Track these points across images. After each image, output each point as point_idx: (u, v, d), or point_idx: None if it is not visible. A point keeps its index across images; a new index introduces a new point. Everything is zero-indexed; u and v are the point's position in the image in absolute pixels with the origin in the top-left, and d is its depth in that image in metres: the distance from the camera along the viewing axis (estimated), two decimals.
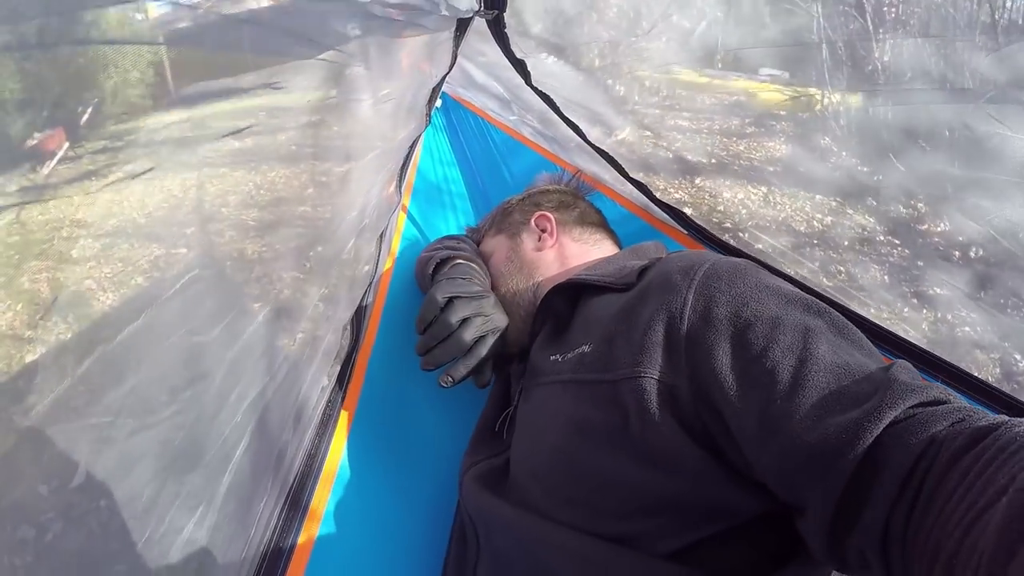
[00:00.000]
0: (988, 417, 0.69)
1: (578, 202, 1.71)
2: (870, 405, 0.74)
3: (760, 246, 1.61)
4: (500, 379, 1.46)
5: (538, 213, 1.63)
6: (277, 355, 1.17)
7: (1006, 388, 1.22)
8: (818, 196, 1.52)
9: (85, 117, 0.86)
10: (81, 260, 0.93)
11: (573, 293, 1.27)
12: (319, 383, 1.33)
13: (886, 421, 0.72)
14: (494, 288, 1.52)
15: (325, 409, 1.35)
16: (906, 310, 1.37)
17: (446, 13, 1.42)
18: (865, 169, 1.38)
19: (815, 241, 1.53)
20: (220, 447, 1.01)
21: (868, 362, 0.84)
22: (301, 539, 1.19)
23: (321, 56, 1.39)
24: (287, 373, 1.19)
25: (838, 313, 0.93)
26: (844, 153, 1.42)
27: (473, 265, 1.51)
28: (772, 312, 0.91)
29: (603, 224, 1.70)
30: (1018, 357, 1.23)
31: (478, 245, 1.72)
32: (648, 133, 1.79)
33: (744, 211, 1.70)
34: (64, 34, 0.81)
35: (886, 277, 1.41)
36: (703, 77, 1.59)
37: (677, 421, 0.91)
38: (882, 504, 0.70)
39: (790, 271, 1.54)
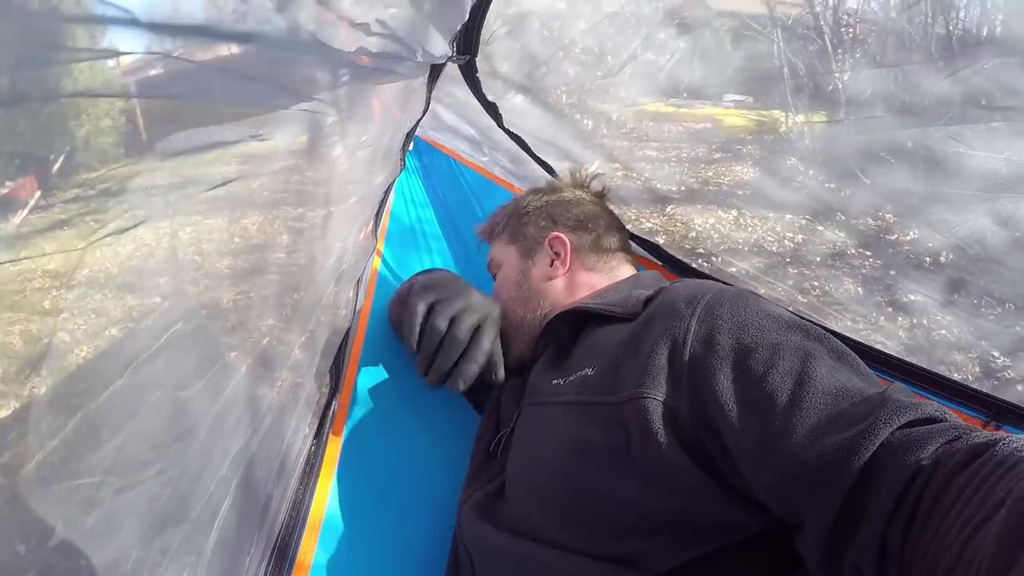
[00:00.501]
0: (984, 434, 0.70)
1: (599, 220, 1.63)
2: (866, 424, 0.76)
3: (733, 270, 1.63)
4: (490, 407, 1.44)
5: (553, 234, 1.58)
6: (260, 406, 1.15)
7: (986, 386, 1.24)
8: (788, 216, 1.55)
9: (57, 166, 0.86)
10: (54, 312, 0.92)
11: (578, 320, 1.27)
12: (301, 431, 1.31)
13: (881, 437, 0.74)
14: (501, 304, 1.51)
15: (308, 457, 1.32)
16: (882, 319, 1.40)
17: (421, 59, 1.45)
18: (832, 186, 1.42)
19: (788, 259, 1.56)
20: (206, 504, 0.98)
21: (865, 385, 0.86)
22: None
23: (297, 106, 1.40)
24: (271, 424, 1.17)
25: (836, 339, 0.97)
26: (811, 172, 1.46)
27: (445, 273, 1.56)
28: (772, 338, 0.95)
29: (623, 246, 1.65)
30: (996, 355, 1.25)
31: (481, 234, 1.75)
32: (617, 165, 1.83)
33: (716, 235, 1.73)
34: (35, 82, 0.80)
35: (860, 289, 1.44)
36: (668, 107, 1.64)
37: (678, 442, 0.93)
38: (879, 519, 0.71)
39: (763, 291, 1.57)
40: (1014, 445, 0.63)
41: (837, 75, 1.32)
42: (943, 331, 1.31)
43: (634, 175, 1.77)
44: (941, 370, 1.31)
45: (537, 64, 1.74)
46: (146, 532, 0.87)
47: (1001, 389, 1.24)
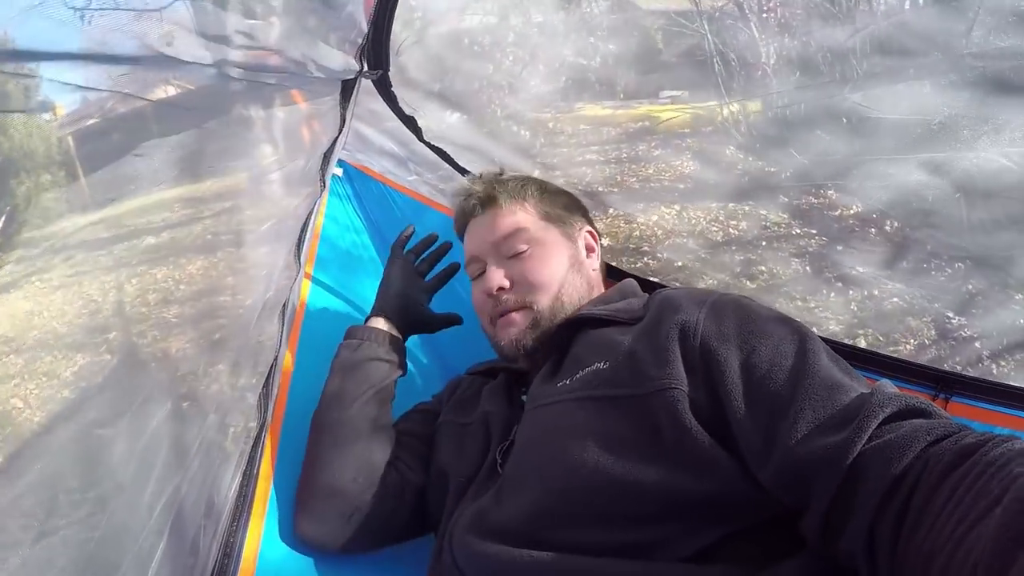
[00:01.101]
0: (974, 433, 0.71)
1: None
2: (855, 423, 0.77)
3: (680, 262, 1.66)
4: (471, 430, 1.37)
5: (588, 229, 1.48)
6: (189, 447, 1.10)
7: (943, 348, 1.30)
8: (731, 204, 1.59)
9: None
10: (5, 378, 0.87)
11: (579, 325, 1.26)
12: (229, 467, 1.24)
13: (867, 434, 0.76)
14: (551, 280, 1.35)
15: (238, 493, 1.25)
16: (832, 295, 1.44)
17: (318, 74, 1.43)
18: (772, 169, 1.47)
19: (733, 247, 1.59)
20: (136, 555, 0.93)
21: (854, 383, 0.89)
22: None
23: (235, 136, 1.37)
24: (199, 464, 1.12)
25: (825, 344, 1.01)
26: (750, 158, 1.50)
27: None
28: (773, 337, 0.96)
29: None
30: (951, 315, 1.30)
31: (491, 197, 1.47)
32: (557, 172, 1.84)
33: (660, 231, 1.76)
34: None
35: (807, 267, 1.48)
36: (605, 109, 1.66)
37: (704, 428, 0.94)
38: (866, 513, 0.72)
39: (712, 281, 1.60)
40: (1005, 445, 0.64)
41: (764, 60, 1.37)
42: (895, 299, 1.36)
43: (574, 181, 1.79)
44: (896, 338, 1.36)
45: (469, 79, 1.74)
46: None
47: (959, 348, 1.29)
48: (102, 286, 1.05)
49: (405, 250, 1.63)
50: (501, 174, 1.51)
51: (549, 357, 1.23)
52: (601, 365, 1.07)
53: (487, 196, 1.43)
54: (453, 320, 1.64)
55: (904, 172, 1.24)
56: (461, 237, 1.54)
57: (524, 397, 1.27)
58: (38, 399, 0.89)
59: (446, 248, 1.66)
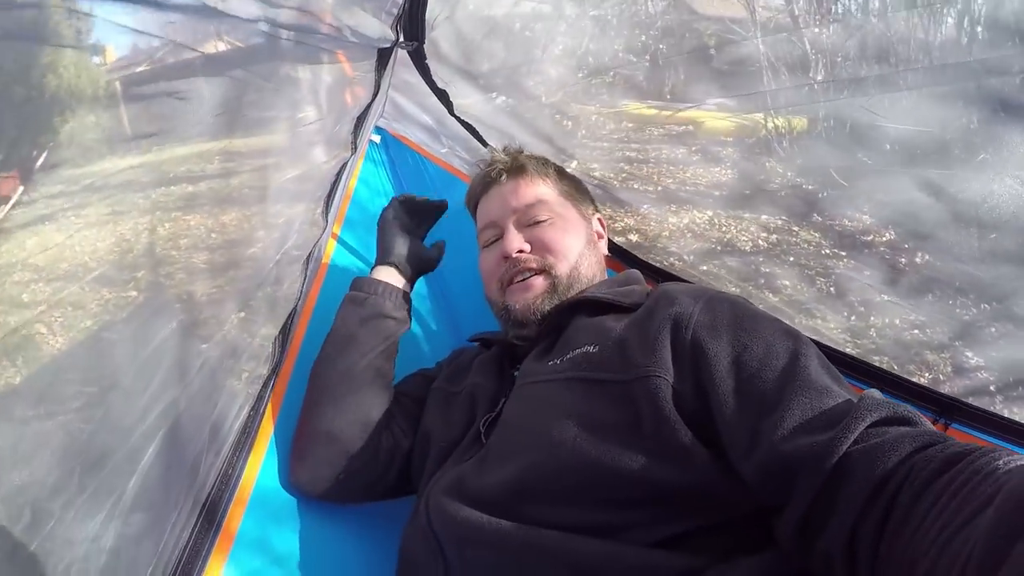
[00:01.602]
0: (959, 443, 0.73)
1: None
2: (842, 424, 0.80)
3: (705, 267, 1.68)
4: (459, 399, 1.38)
5: (599, 216, 1.59)
6: (190, 365, 1.13)
7: (958, 384, 1.31)
8: (763, 216, 1.60)
9: (40, 161, 0.85)
10: (32, 305, 0.91)
11: (581, 306, 1.29)
12: (237, 400, 1.28)
13: (854, 435, 0.79)
14: (567, 252, 1.40)
15: (243, 427, 1.29)
16: (853, 318, 1.45)
17: (354, 40, 1.45)
18: (810, 187, 1.47)
19: (760, 258, 1.60)
20: (128, 451, 0.97)
21: (844, 391, 0.92)
22: (212, 559, 1.13)
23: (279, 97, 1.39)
24: (201, 385, 1.16)
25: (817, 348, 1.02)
26: (789, 174, 1.50)
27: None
28: (767, 338, 1.00)
29: None
30: (969, 355, 1.31)
31: (519, 166, 1.52)
32: (595, 165, 1.85)
33: (689, 234, 1.77)
34: (20, 77, 0.81)
35: (832, 288, 1.49)
36: (651, 109, 1.66)
37: (684, 420, 0.96)
38: (848, 514, 0.74)
39: (735, 289, 1.61)
40: (991, 455, 0.66)
41: (811, 75, 1.37)
42: (915, 331, 1.37)
43: (611, 175, 1.80)
44: (911, 369, 1.37)
45: (514, 65, 1.75)
46: (65, 463, 0.86)
47: (976, 391, 1.30)
48: (136, 227, 1.08)
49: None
50: (522, 151, 1.58)
51: (546, 336, 1.29)
52: (591, 348, 1.12)
53: (515, 164, 1.50)
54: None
55: (947, 197, 1.25)
56: (473, 206, 1.60)
57: (516, 373, 1.31)
58: (62, 327, 0.94)
59: (439, 203, 1.72)
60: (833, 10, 1.39)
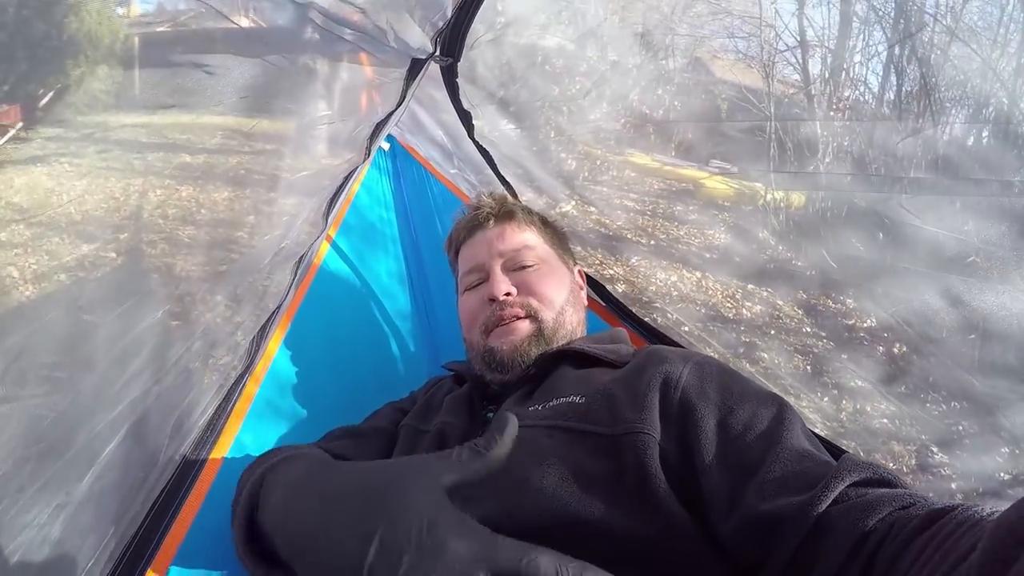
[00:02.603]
0: (941, 501, 0.72)
1: None
2: (821, 484, 0.80)
3: (687, 328, 1.67)
4: (427, 437, 1.33)
5: (579, 268, 1.57)
6: (167, 359, 1.12)
7: (921, 480, 1.30)
8: (750, 285, 1.60)
9: (45, 100, 0.85)
10: (8, 245, 0.90)
11: (567, 357, 1.27)
12: (205, 397, 1.26)
13: (835, 493, 0.78)
14: (550, 298, 1.36)
15: (208, 424, 1.26)
16: (825, 399, 1.44)
17: (394, 45, 1.45)
18: (799, 263, 1.47)
19: (742, 327, 1.60)
20: (87, 443, 0.95)
21: (824, 455, 0.92)
22: (159, 555, 1.10)
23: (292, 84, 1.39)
24: (174, 380, 1.14)
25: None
26: (780, 247, 1.51)
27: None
28: (752, 404, 1.00)
29: None
30: (935, 450, 1.30)
31: (508, 212, 1.50)
32: (592, 209, 1.85)
33: (675, 293, 1.77)
34: (41, 13, 0.80)
35: (808, 366, 1.48)
36: (655, 162, 1.67)
37: (667, 480, 0.94)
38: (828, 569, 0.73)
39: (712, 352, 1.60)
40: (974, 510, 0.65)
41: (820, 155, 1.38)
42: (884, 419, 1.36)
43: (607, 220, 1.80)
44: (876, 458, 1.36)
45: (533, 94, 1.76)
46: (21, 451, 0.84)
47: (936, 485, 1.29)
48: (127, 187, 1.09)
49: None
50: (507, 198, 1.55)
51: (527, 382, 1.25)
52: (577, 399, 1.10)
53: (503, 209, 1.48)
54: None
55: (927, 292, 1.25)
56: (455, 251, 1.55)
57: (489, 414, 1.28)
58: (34, 274, 0.93)
59: None
60: (849, 96, 1.40)
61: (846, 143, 1.34)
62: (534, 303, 1.34)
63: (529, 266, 1.40)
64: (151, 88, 1.04)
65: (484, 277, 1.41)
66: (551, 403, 1.12)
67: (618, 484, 0.96)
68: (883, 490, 0.78)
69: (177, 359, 1.15)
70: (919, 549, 0.65)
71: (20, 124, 0.82)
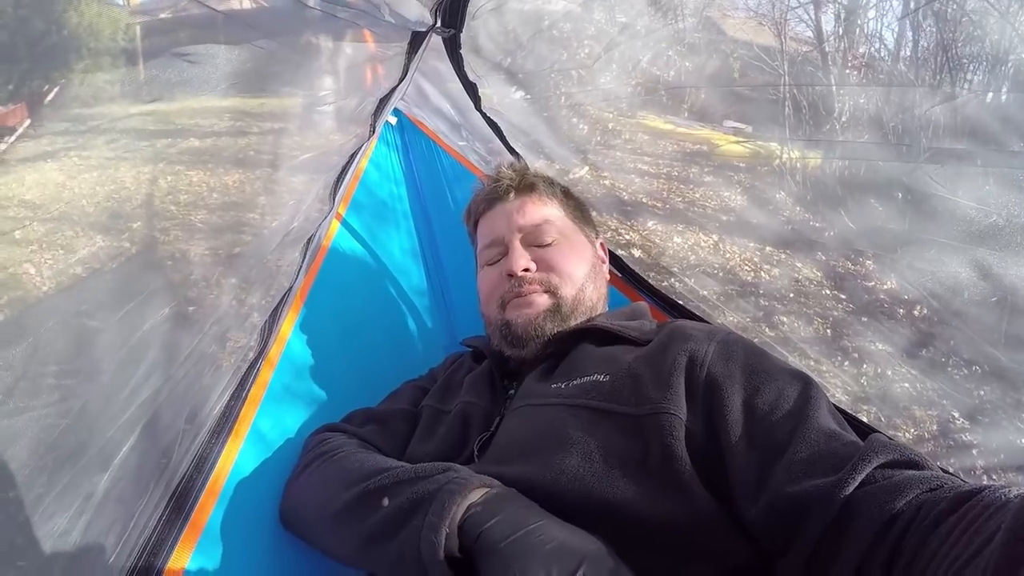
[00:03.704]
0: (968, 484, 0.72)
1: None
2: (848, 466, 0.79)
3: (705, 292, 1.65)
4: (448, 418, 1.27)
5: (601, 241, 1.50)
6: (179, 353, 1.11)
7: (941, 446, 1.28)
8: (768, 247, 1.57)
9: (50, 97, 0.84)
10: (23, 242, 0.92)
11: (589, 334, 1.24)
12: (219, 385, 1.25)
13: (861, 476, 0.77)
14: (572, 274, 1.33)
15: (222, 413, 1.25)
16: (846, 363, 1.42)
17: (390, 19, 1.42)
18: (816, 224, 1.44)
19: (761, 291, 1.58)
20: (104, 444, 0.95)
21: (850, 435, 0.90)
22: (179, 548, 1.09)
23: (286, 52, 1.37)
24: (187, 373, 1.13)
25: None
26: (798, 208, 1.48)
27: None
28: (778, 380, 0.99)
29: None
30: (956, 415, 1.28)
31: (529, 184, 1.44)
32: (606, 174, 1.82)
33: (692, 257, 1.74)
34: (40, 9, 0.80)
35: (828, 330, 1.46)
36: (667, 124, 1.64)
37: (692, 461, 0.93)
38: (853, 555, 0.73)
39: (732, 318, 1.58)
40: (1001, 491, 0.64)
41: (836, 114, 1.34)
42: (906, 384, 1.34)
43: (621, 186, 1.77)
44: (897, 423, 1.34)
45: (540, 61, 1.72)
46: (36, 460, 0.84)
47: (956, 452, 1.27)
48: (137, 176, 1.10)
49: None
50: (528, 169, 1.49)
51: (548, 358, 1.23)
52: (601, 377, 1.08)
53: (523, 182, 1.42)
54: None
55: (953, 264, 1.22)
56: (473, 223, 1.51)
57: (511, 391, 1.26)
58: (51, 269, 0.96)
59: None
60: (865, 52, 1.35)
61: (862, 101, 1.30)
62: (554, 279, 1.31)
63: (550, 242, 1.35)
64: (156, 76, 1.03)
65: (503, 252, 1.38)
66: (575, 381, 1.11)
67: (643, 465, 0.95)
68: (910, 472, 0.77)
69: (192, 348, 1.15)
70: (946, 532, 0.64)
71: (27, 122, 0.83)
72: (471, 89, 1.79)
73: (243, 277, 1.30)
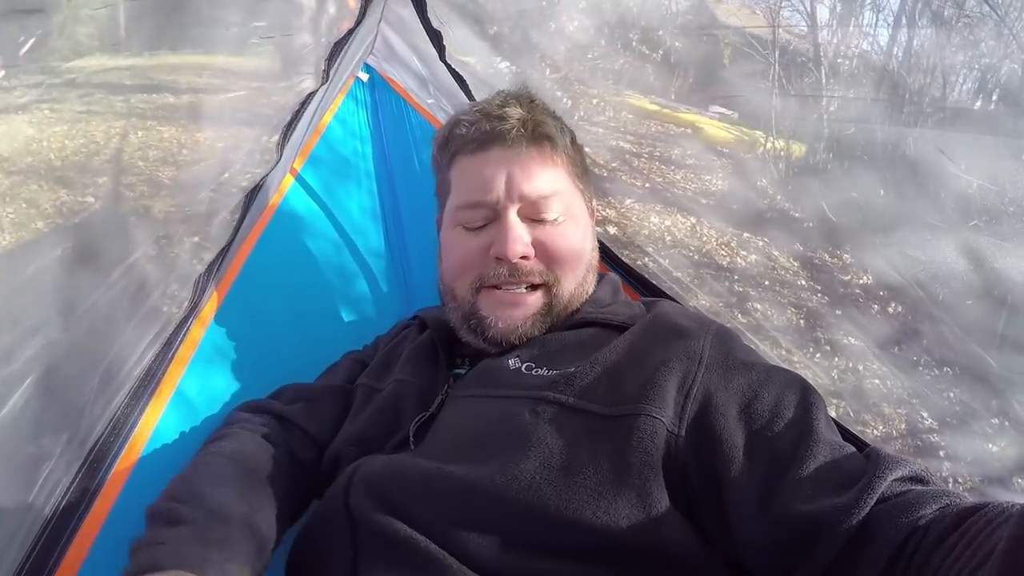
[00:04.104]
0: (971, 500, 0.70)
1: None
2: (863, 482, 0.76)
3: (679, 274, 1.66)
4: (380, 396, 1.11)
5: (594, 201, 1.18)
6: (77, 303, 1.06)
7: (909, 446, 1.32)
8: (746, 233, 1.59)
9: (26, 48, 0.81)
10: None
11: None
12: (140, 343, 1.17)
13: (877, 494, 0.74)
14: (574, 254, 1.06)
15: (145, 372, 1.18)
16: (817, 355, 1.46)
17: None
18: (797, 214, 1.46)
19: (736, 276, 1.60)
20: None
21: (848, 445, 0.86)
22: (91, 513, 1.05)
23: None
24: (91, 326, 1.07)
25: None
26: (779, 196, 1.49)
27: None
28: (777, 384, 0.89)
29: None
30: (925, 415, 1.32)
31: (544, 134, 1.04)
32: (587, 149, 1.80)
33: (669, 238, 1.76)
34: None
35: (801, 320, 1.49)
36: (653, 104, 1.63)
37: (663, 470, 0.82)
38: (872, 574, 0.72)
39: (704, 301, 1.60)
40: (1004, 506, 0.63)
41: (824, 105, 1.35)
42: (876, 380, 1.38)
43: (601, 163, 1.77)
44: (866, 419, 1.38)
45: (529, 20, 1.68)
46: None
47: (923, 452, 1.31)
48: (108, 130, 1.07)
49: None
50: (534, 100, 1.12)
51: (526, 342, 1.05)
52: (573, 368, 0.93)
53: (538, 130, 1.05)
54: None
55: (946, 250, 1.22)
56: (449, 156, 1.13)
57: (459, 370, 1.09)
58: (12, 223, 0.93)
59: None
60: (858, 46, 1.37)
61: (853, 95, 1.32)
62: (555, 271, 1.06)
63: (553, 219, 1.06)
64: (134, 32, 1.00)
65: (490, 218, 1.07)
66: (542, 371, 0.96)
67: (612, 476, 0.85)
68: (920, 488, 0.75)
69: (94, 304, 1.08)
70: (950, 547, 0.64)
71: (2, 73, 0.79)
72: (435, 37, 1.70)
73: (204, 235, 1.25)
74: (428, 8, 1.57)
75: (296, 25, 1.40)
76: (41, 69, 0.87)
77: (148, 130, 1.07)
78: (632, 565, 0.84)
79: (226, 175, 1.35)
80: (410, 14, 1.63)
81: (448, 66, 1.73)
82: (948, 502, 0.71)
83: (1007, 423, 1.18)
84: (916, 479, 0.78)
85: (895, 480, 0.76)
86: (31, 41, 0.81)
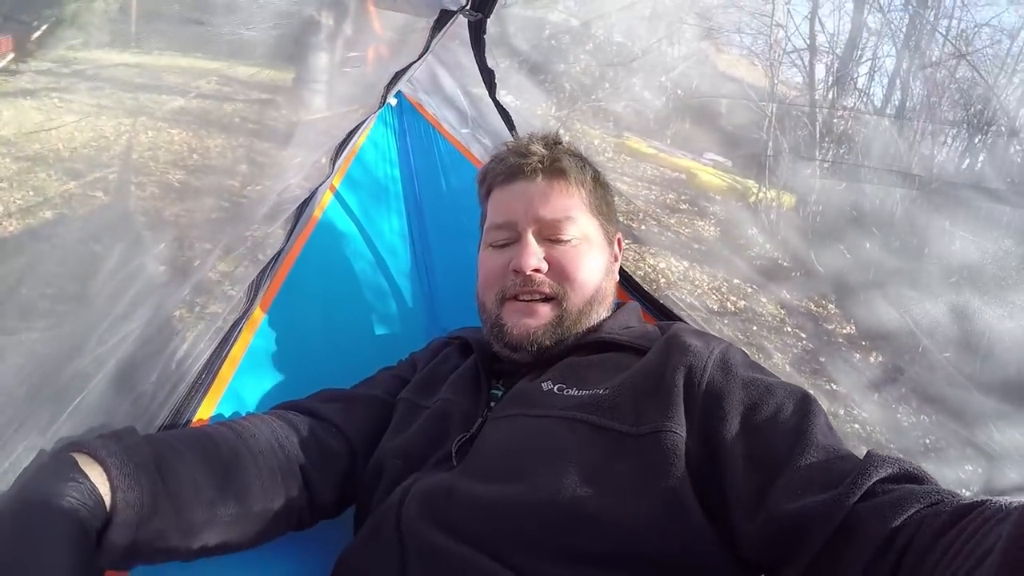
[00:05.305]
0: (968, 498, 0.72)
1: None
2: (848, 480, 0.78)
3: (693, 300, 1.68)
4: (426, 413, 1.26)
5: (619, 235, 1.29)
6: (153, 303, 1.09)
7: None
8: (736, 280, 1.61)
9: (38, 33, 0.82)
10: None
11: (588, 345, 1.18)
12: (200, 342, 1.22)
13: (861, 491, 0.74)
14: (581, 281, 1.14)
15: (203, 368, 1.22)
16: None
17: None
18: (785, 264, 1.48)
19: (726, 320, 1.61)
20: (74, 377, 0.94)
21: (848, 450, 0.88)
22: None
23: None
24: (161, 327, 1.11)
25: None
26: (768, 245, 1.51)
27: None
28: (778, 394, 0.92)
29: None
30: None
31: (559, 169, 1.16)
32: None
33: (663, 279, 1.78)
34: None
35: (787, 365, 1.50)
36: (650, 148, 1.67)
37: (690, 480, 0.90)
38: (855, 570, 0.72)
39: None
40: (1001, 503, 0.64)
41: (818, 157, 1.37)
42: (856, 425, 1.39)
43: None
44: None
45: (550, 49, 1.72)
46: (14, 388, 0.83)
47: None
48: (118, 126, 1.07)
49: None
50: (560, 143, 1.22)
51: (545, 362, 1.12)
52: (601, 391, 1.00)
53: (554, 165, 1.18)
54: None
55: (931, 302, 1.23)
56: (486, 190, 1.27)
57: (496, 391, 1.16)
58: (19, 210, 0.95)
59: None
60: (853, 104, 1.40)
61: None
62: (564, 287, 1.15)
63: (567, 240, 1.17)
64: (146, 30, 1.02)
65: (513, 239, 1.19)
66: (573, 391, 1.04)
67: (642, 487, 0.90)
68: (911, 486, 0.74)
69: (160, 305, 1.12)
70: (946, 546, 0.63)
71: (11, 55, 0.81)
72: (488, 75, 1.76)
73: (220, 244, 1.28)
74: (487, 49, 1.62)
75: (313, 43, 1.44)
76: (51, 57, 0.88)
77: (158, 131, 1.11)
78: (666, 565, 0.87)
79: (233, 183, 1.39)
80: (470, 62, 1.68)
81: (497, 103, 1.77)
82: (941, 499, 0.70)
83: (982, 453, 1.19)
84: (911, 478, 0.78)
85: (886, 478, 0.76)
86: (43, 27, 0.82)
